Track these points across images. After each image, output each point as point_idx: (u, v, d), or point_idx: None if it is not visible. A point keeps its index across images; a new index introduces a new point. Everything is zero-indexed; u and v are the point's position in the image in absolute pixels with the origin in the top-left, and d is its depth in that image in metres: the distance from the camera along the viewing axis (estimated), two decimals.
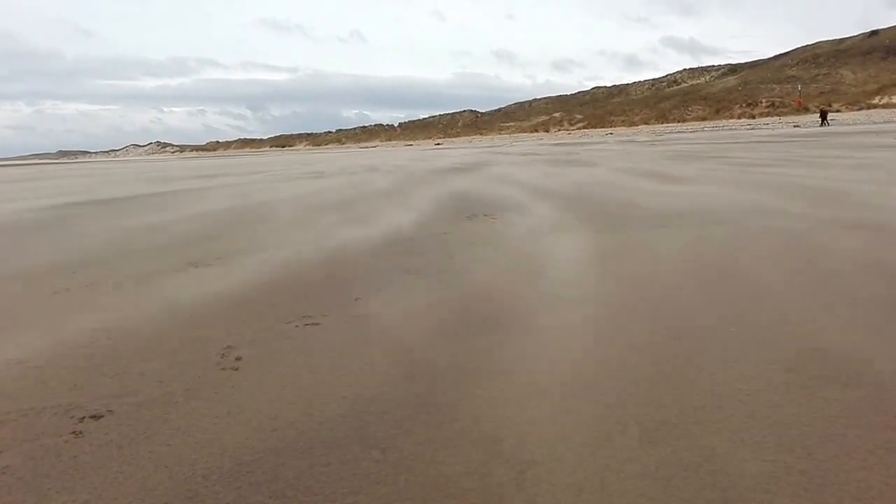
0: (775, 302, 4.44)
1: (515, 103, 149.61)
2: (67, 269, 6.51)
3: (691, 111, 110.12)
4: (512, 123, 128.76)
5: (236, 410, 2.99)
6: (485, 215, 9.55)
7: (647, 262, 5.89)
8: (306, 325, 4.34)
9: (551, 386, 3.14)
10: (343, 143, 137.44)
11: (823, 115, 62.73)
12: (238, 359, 3.69)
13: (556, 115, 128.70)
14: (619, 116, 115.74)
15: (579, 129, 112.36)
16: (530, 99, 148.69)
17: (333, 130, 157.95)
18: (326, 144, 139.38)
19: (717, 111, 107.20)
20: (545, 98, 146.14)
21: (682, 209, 9.10)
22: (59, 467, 2.50)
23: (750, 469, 2.31)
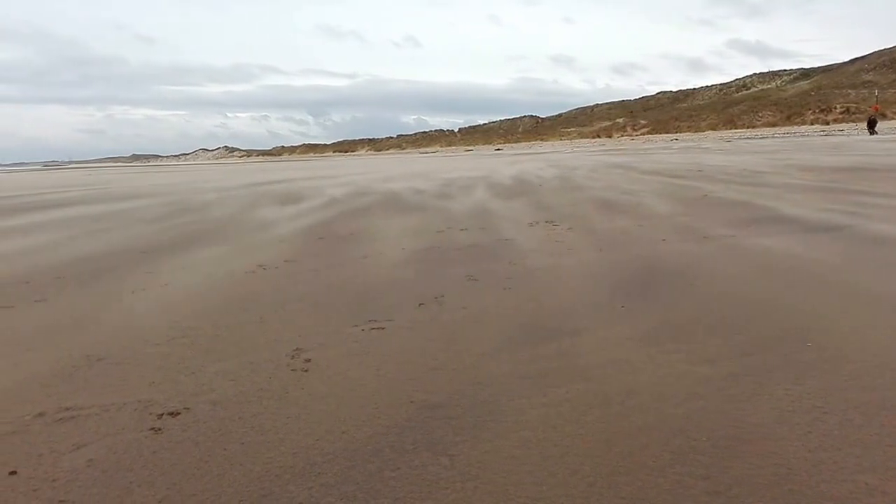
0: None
1: (577, 108, 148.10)
2: (142, 261, 6.78)
3: (761, 117, 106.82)
4: (573, 129, 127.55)
5: (306, 412, 3.06)
6: (546, 222, 9.49)
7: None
8: (372, 328, 4.40)
9: (617, 396, 3.10)
10: (404, 148, 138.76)
11: (871, 124, 54.33)
12: (307, 360, 3.77)
13: (619, 120, 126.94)
14: (685, 122, 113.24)
15: (643, 134, 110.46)
16: (592, 104, 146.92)
17: (394, 136, 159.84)
18: (388, 149, 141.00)
19: (789, 117, 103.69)
20: (608, 103, 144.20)
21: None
22: (140, 462, 2.60)
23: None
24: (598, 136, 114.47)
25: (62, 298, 5.58)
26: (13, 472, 2.54)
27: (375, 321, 4.55)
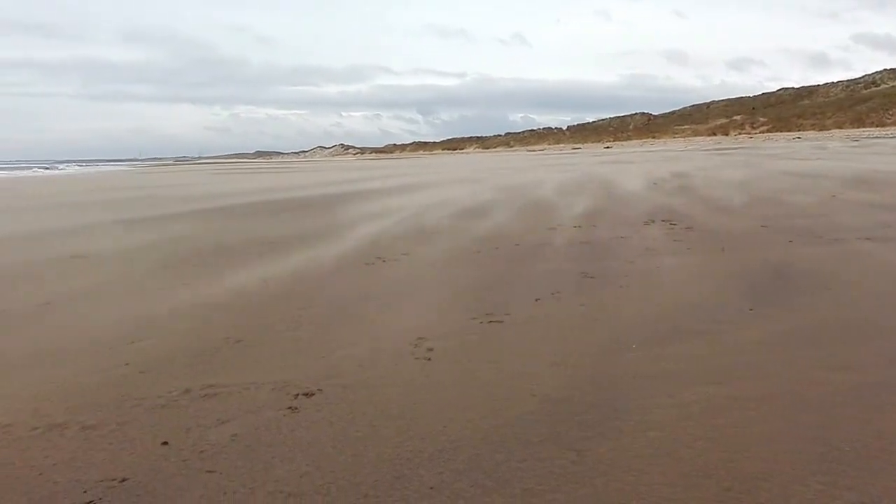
0: None
1: (691, 105, 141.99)
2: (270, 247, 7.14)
3: (893, 114, 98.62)
4: (687, 126, 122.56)
5: (431, 399, 3.13)
6: (663, 220, 9.21)
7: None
8: (490, 321, 4.44)
9: (751, 401, 2.98)
10: (511, 146, 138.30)
11: None
12: (430, 350, 3.86)
13: (737, 117, 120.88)
14: (808, 120, 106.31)
15: (762, 132, 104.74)
16: (707, 101, 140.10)
17: (502, 134, 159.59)
18: (495, 147, 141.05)
19: None
20: (724, 100, 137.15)
21: None
22: (280, 438, 2.75)
23: None
24: (714, 134, 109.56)
25: (202, 284, 5.95)
26: (165, 443, 2.74)
27: (493, 315, 4.58)
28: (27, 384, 3.46)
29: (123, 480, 2.41)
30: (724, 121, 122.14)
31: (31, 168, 65.23)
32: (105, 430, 2.85)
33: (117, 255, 7.73)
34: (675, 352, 3.74)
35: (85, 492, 2.34)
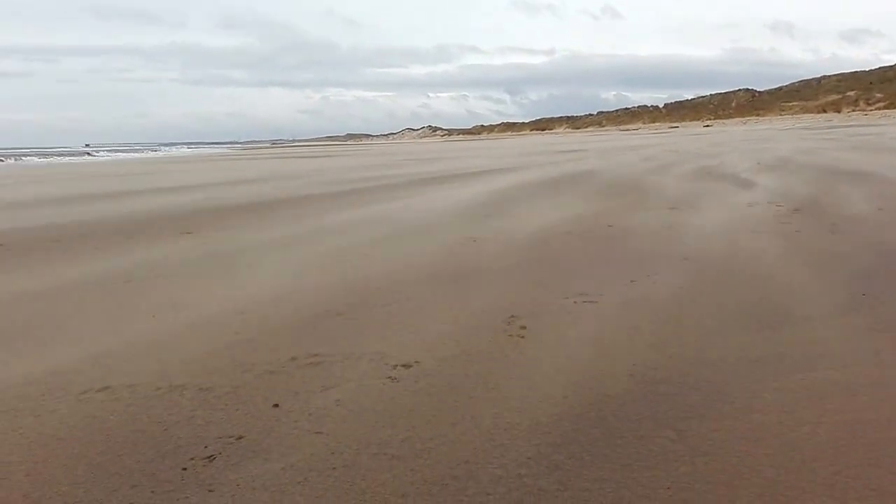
0: None
1: (799, 81, 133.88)
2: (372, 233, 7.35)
3: None
4: (795, 103, 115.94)
5: (526, 374, 3.17)
6: (768, 202, 8.83)
7: None
8: (584, 301, 4.42)
9: (863, 387, 2.85)
10: (603, 126, 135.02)
11: None
12: (523, 328, 3.89)
13: (850, 93, 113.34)
14: None
15: (878, 109, 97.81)
16: (818, 76, 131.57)
17: (594, 113, 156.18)
18: (586, 127, 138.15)
19: None
20: (837, 75, 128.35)
21: None
22: (381, 405, 2.86)
23: None
24: (825, 111, 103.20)
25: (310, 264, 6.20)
26: (276, 405, 2.91)
27: (586, 295, 4.56)
28: (148, 349, 3.73)
29: (240, 438, 2.58)
30: (835, 97, 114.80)
31: (157, 150, 68.76)
32: (220, 392, 3.05)
33: (221, 234, 8.12)
34: (782, 335, 3.62)
35: (206, 447, 2.52)
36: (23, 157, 51.04)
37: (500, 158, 26.07)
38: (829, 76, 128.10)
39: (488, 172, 17.25)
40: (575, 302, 4.42)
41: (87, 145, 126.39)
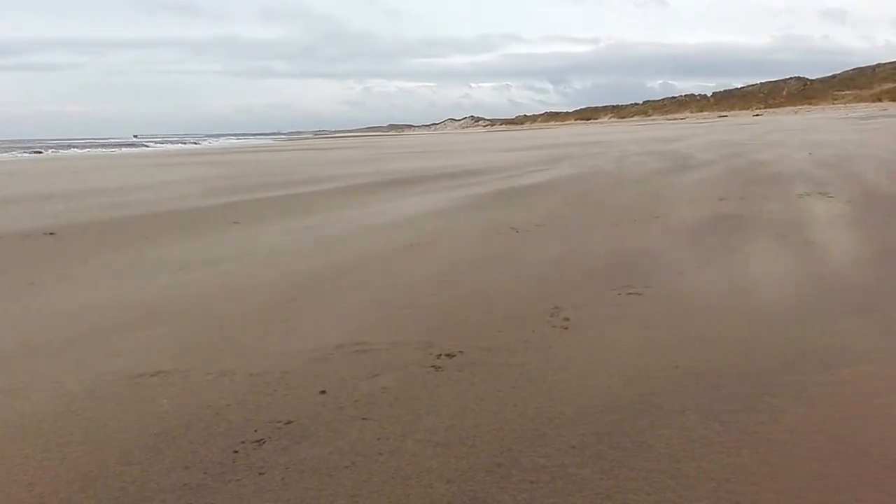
0: None
1: (853, 69, 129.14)
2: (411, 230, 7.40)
3: None
4: (849, 92, 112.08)
5: (570, 365, 3.17)
6: (819, 193, 8.60)
7: None
8: (629, 293, 4.39)
9: None
10: (649, 115, 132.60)
11: None
12: (566, 319, 3.89)
13: None
14: None
15: None
16: (872, 64, 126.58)
17: (640, 102, 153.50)
18: (632, 117, 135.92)
19: None
20: (892, 62, 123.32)
21: None
22: (426, 392, 2.91)
23: None
24: (880, 100, 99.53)
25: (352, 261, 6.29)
26: (323, 392, 2.97)
27: (632, 287, 4.52)
28: (196, 336, 3.84)
29: (289, 423, 2.65)
30: (891, 86, 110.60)
31: (197, 142, 70.39)
32: (269, 378, 3.13)
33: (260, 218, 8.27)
34: (833, 328, 3.56)
35: (256, 430, 2.60)
36: (117, 148, 51.51)
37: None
38: (884, 64, 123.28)
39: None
40: (619, 294, 4.40)
41: (135, 136, 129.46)
